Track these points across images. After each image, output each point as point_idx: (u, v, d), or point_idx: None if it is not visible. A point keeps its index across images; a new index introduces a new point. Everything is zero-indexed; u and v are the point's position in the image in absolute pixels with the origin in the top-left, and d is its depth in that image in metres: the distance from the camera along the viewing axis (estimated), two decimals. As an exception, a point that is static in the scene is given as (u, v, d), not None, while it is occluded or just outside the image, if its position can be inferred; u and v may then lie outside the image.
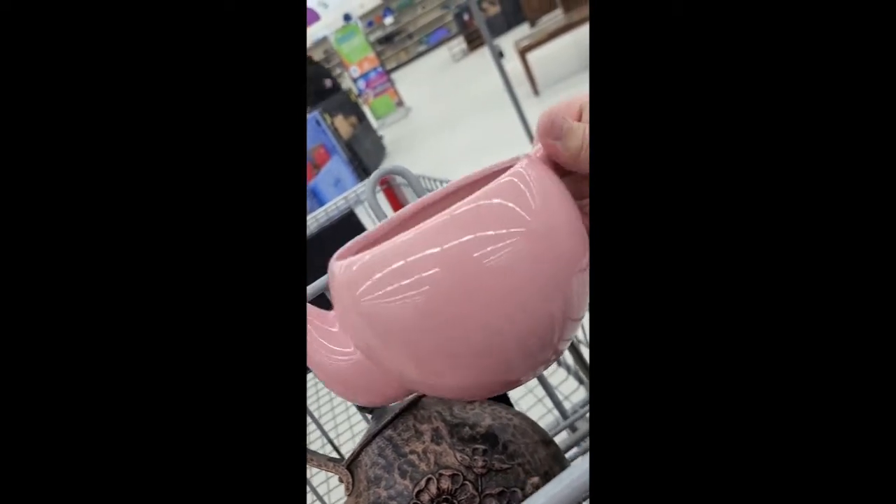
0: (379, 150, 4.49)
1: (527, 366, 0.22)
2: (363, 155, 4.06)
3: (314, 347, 0.23)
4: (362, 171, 3.94)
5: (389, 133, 5.19)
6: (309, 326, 0.24)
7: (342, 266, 0.22)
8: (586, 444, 0.38)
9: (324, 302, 0.39)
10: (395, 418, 0.32)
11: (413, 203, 0.30)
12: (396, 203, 0.80)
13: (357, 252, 0.26)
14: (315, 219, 0.91)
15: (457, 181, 0.29)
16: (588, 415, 0.40)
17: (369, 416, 0.36)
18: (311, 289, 0.38)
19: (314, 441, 0.68)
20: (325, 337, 0.24)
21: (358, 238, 0.28)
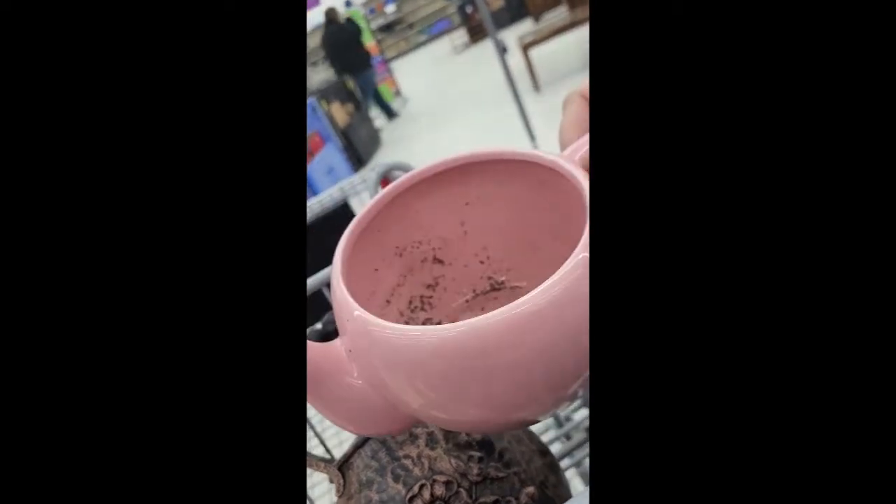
0: (374, 140, 4.46)
1: (551, 407, 0.20)
2: (358, 144, 4.03)
3: (316, 381, 0.21)
4: (356, 160, 3.92)
5: (386, 123, 5.16)
6: (309, 364, 0.21)
7: (354, 312, 0.20)
8: (579, 454, 0.38)
9: (320, 298, 0.38)
10: (389, 421, 0.31)
11: (411, 174, 0.27)
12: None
13: (357, 240, 0.25)
14: (309, 209, 0.90)
15: (464, 155, 0.26)
16: (582, 425, 0.39)
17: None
18: (307, 284, 0.37)
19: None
20: (326, 372, 0.21)
21: (356, 222, 0.25)
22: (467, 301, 0.30)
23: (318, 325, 0.33)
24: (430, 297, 0.29)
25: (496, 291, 0.30)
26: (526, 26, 5.87)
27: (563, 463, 0.37)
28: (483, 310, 0.28)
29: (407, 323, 0.28)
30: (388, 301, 0.28)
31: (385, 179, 0.86)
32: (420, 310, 0.29)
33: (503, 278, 0.30)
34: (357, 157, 3.94)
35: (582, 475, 0.53)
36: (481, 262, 0.29)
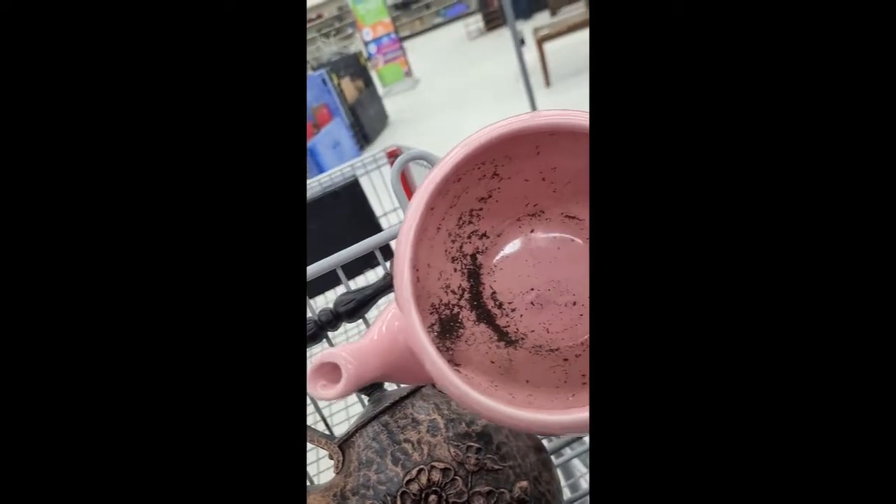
0: (381, 119, 4.43)
1: None
2: (366, 121, 4.01)
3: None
4: (363, 137, 3.90)
5: (394, 103, 5.12)
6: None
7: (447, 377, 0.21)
8: (571, 451, 0.39)
9: (332, 276, 0.38)
10: (393, 405, 0.32)
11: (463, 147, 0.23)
12: (405, 182, 0.79)
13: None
14: (318, 182, 0.90)
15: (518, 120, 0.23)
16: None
17: (366, 399, 0.36)
18: (313, 269, 0.37)
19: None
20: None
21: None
22: (518, 219, 0.28)
23: (330, 306, 0.34)
24: (481, 209, 0.27)
25: (544, 215, 0.28)
26: (543, 18, 5.82)
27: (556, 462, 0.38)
28: (533, 231, 0.27)
29: (453, 242, 0.27)
30: (437, 228, 0.26)
31: (394, 153, 0.85)
32: (468, 223, 0.27)
33: (560, 208, 0.28)
34: (363, 134, 3.91)
35: (563, 469, 0.54)
36: (543, 179, 0.27)
